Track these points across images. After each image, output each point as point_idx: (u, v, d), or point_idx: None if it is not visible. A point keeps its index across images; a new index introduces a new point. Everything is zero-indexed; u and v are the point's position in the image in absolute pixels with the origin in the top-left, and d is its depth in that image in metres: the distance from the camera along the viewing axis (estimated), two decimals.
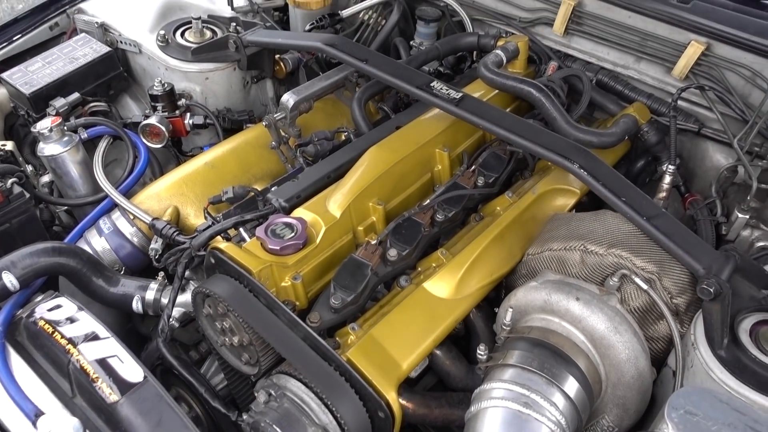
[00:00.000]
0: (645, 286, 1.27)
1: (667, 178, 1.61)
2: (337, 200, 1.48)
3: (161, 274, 1.60)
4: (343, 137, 1.83)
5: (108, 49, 2.06)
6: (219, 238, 1.48)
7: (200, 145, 2.13)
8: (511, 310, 1.28)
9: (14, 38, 2.11)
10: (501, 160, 1.67)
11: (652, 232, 1.32)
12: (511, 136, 1.50)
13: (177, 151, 2.12)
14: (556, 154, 1.45)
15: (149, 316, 1.66)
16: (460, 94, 1.60)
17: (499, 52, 1.85)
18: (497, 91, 1.82)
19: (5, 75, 1.95)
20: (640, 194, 1.39)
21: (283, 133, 1.84)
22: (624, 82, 1.93)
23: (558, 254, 1.40)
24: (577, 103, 1.84)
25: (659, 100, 1.87)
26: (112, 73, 2.07)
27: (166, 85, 1.94)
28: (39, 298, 1.44)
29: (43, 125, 1.74)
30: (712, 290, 1.18)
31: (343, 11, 2.23)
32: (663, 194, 1.62)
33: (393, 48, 2.29)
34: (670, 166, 1.61)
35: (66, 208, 1.93)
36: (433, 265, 1.46)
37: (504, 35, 2.03)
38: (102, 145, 1.89)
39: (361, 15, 2.31)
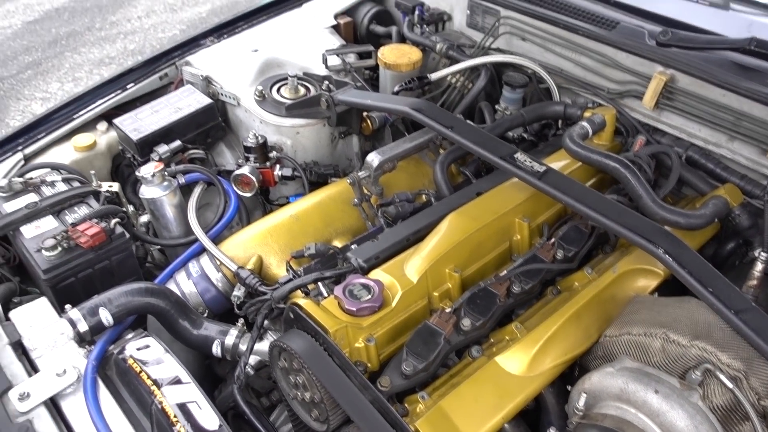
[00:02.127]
0: (730, 385, 1.21)
1: (759, 266, 1.54)
2: (414, 265, 1.50)
3: (241, 320, 1.67)
4: (424, 199, 1.87)
5: (209, 101, 2.19)
6: (298, 292, 1.54)
7: (286, 195, 2.22)
8: (585, 395, 1.26)
9: (128, 86, 2.29)
10: (582, 234, 1.65)
11: (740, 327, 1.26)
12: (593, 214, 1.49)
13: (264, 199, 2.23)
14: (640, 236, 1.42)
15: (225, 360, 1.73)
16: (544, 168, 1.61)
17: (585, 124, 1.85)
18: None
19: (117, 121, 2.11)
20: (729, 285, 1.34)
21: (365, 191, 1.90)
22: (715, 161, 1.88)
23: (637, 340, 1.35)
24: (666, 177, 1.80)
25: (753, 182, 1.80)
26: (211, 123, 2.21)
27: (259, 137, 2.05)
28: (129, 336, 1.53)
29: (147, 170, 1.87)
30: None
31: (431, 74, 2.28)
32: (754, 282, 1.55)
33: (478, 111, 2.32)
34: (762, 253, 1.55)
35: (159, 247, 2.06)
36: (507, 338, 1.46)
37: (591, 106, 2.03)
38: (197, 191, 2.01)
39: (448, 78, 2.36)
